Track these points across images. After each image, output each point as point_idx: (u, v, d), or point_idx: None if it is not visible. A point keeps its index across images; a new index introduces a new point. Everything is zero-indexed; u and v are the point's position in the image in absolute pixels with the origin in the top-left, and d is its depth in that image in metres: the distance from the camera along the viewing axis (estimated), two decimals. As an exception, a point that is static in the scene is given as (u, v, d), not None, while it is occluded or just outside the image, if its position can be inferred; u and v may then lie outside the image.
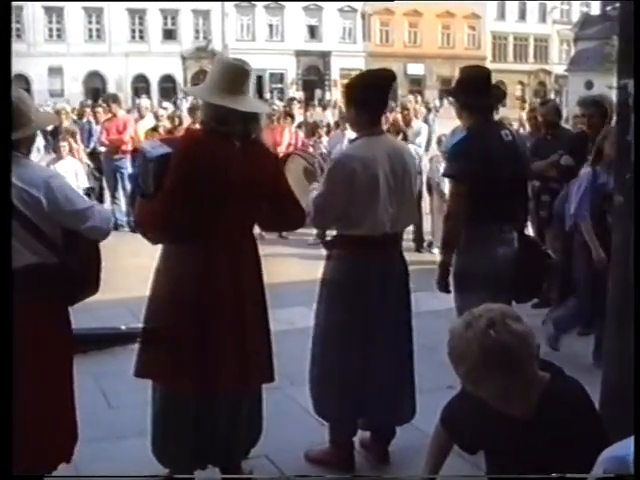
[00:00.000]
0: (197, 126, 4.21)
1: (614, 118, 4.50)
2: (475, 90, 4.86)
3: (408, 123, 11.37)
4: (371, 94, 4.46)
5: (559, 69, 67.59)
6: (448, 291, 5.03)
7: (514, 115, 19.62)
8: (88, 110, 16.41)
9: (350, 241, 4.47)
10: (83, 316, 6.73)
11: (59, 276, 3.85)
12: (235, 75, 3.99)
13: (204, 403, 4.07)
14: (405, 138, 10.49)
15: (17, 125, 3.77)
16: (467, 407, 2.83)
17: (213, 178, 3.92)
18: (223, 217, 3.98)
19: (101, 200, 15.28)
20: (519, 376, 2.53)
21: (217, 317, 4.01)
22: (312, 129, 13.87)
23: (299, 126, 14.26)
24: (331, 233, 4.71)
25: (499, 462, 2.74)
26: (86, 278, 3.98)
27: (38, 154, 13.11)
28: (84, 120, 15.97)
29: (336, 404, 4.54)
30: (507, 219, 4.93)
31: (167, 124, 13.78)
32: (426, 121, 21.82)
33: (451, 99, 5.18)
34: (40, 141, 13.63)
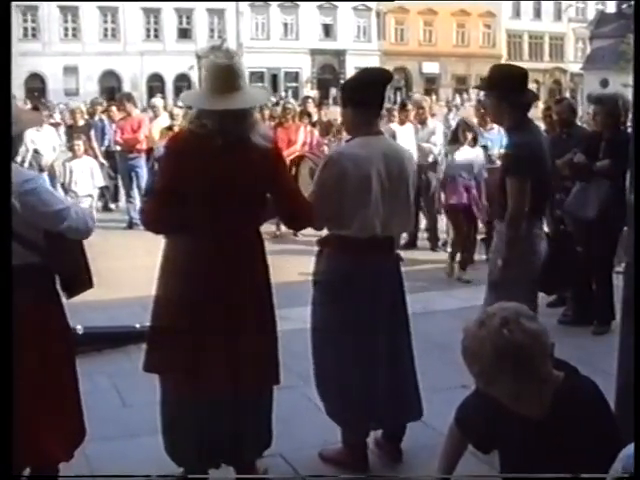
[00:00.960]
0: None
1: (629, 116, 4.51)
2: (518, 87, 4.88)
3: (423, 122, 11.33)
4: (368, 94, 4.41)
5: (574, 67, 67.53)
6: None
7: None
8: (100, 108, 16.37)
9: (339, 241, 4.44)
10: (98, 315, 6.78)
11: (44, 276, 3.90)
12: (218, 74, 3.97)
13: (208, 402, 4.06)
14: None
15: None
16: (481, 407, 2.81)
17: (194, 178, 3.93)
18: (214, 216, 3.97)
19: (116, 199, 15.37)
20: (532, 375, 2.51)
21: (211, 315, 4.00)
22: (326, 128, 13.83)
23: (313, 124, 14.24)
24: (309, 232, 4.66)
25: (513, 461, 2.73)
26: (73, 275, 4.02)
27: (54, 153, 13.17)
28: (96, 118, 15.97)
29: (343, 406, 4.53)
30: (544, 214, 5.08)
31: (182, 123, 13.78)
32: (447, 120, 21.81)
33: (485, 96, 5.14)
34: (55, 140, 13.66)
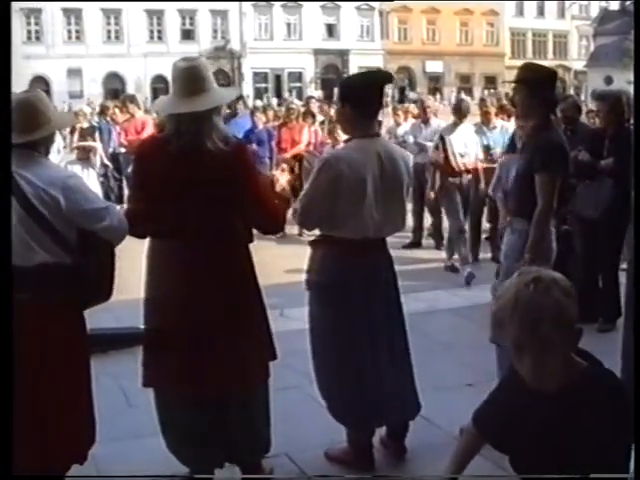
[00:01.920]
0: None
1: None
2: (549, 86, 4.97)
3: (426, 121, 11.34)
4: (366, 93, 4.39)
5: (578, 65, 67.49)
6: None
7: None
8: (111, 110, 16.35)
9: (332, 242, 4.43)
10: (103, 316, 6.76)
11: (72, 277, 3.85)
12: (179, 78, 3.99)
13: (198, 404, 4.08)
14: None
15: (36, 125, 3.80)
16: (500, 404, 2.79)
17: (154, 181, 3.97)
18: (177, 218, 3.98)
19: (121, 201, 15.38)
20: (566, 342, 2.47)
21: (187, 317, 4.02)
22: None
23: (323, 122, 14.24)
24: (315, 232, 4.65)
25: (527, 460, 2.71)
26: (100, 282, 3.98)
27: (58, 155, 13.18)
28: (103, 122, 15.98)
29: (344, 406, 4.54)
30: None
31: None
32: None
33: (520, 92, 5.16)
34: (60, 142, 13.70)
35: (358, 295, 4.42)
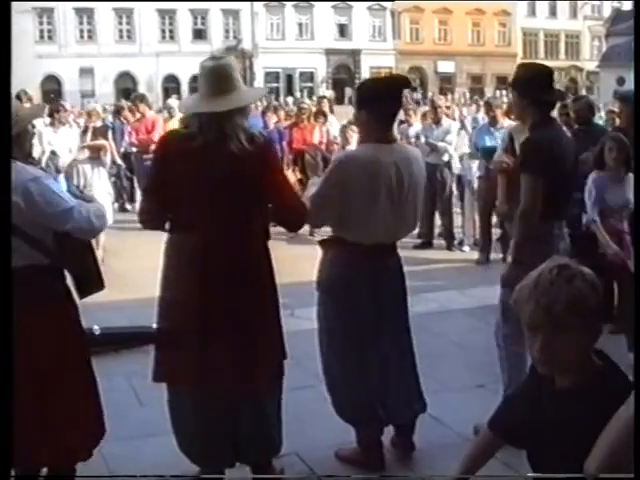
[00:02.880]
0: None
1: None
2: (546, 85, 4.88)
3: (438, 121, 11.33)
4: (383, 98, 4.36)
5: (590, 65, 67.27)
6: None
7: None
8: (126, 110, 16.32)
9: (342, 245, 4.43)
10: (114, 315, 6.80)
11: (54, 276, 3.91)
12: (205, 78, 4.00)
13: (212, 402, 4.08)
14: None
15: None
16: (519, 402, 2.79)
17: (176, 177, 3.97)
18: (199, 215, 3.99)
19: (132, 199, 15.43)
20: (582, 333, 2.46)
21: (207, 315, 4.02)
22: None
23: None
24: (326, 231, 4.64)
25: (545, 456, 2.70)
26: (83, 275, 4.03)
27: (70, 154, 13.18)
28: (117, 121, 15.99)
29: (353, 408, 4.55)
30: (566, 215, 4.98)
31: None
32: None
33: (512, 94, 5.13)
34: (72, 141, 13.66)
35: (365, 298, 4.43)
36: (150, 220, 4.17)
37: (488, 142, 9.94)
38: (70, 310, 4.05)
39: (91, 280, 4.09)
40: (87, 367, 4.08)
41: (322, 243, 4.63)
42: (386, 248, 4.50)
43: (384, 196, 4.31)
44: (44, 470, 4.07)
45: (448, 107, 11.58)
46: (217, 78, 3.97)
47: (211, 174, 3.93)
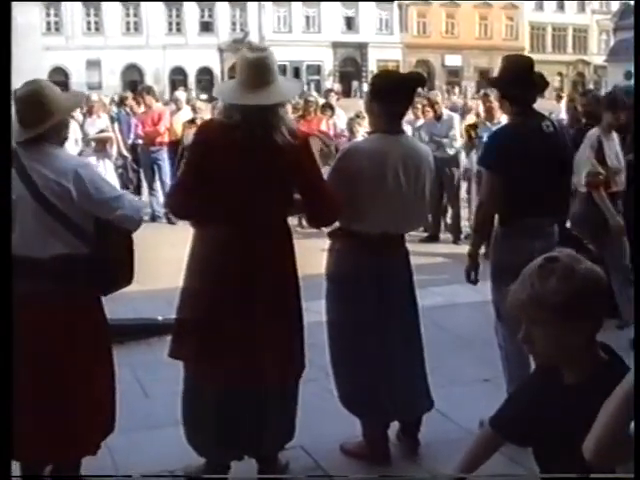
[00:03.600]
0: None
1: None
2: (517, 80, 4.75)
3: (439, 117, 11.31)
4: (398, 92, 4.41)
5: (598, 60, 66.99)
6: (475, 282, 4.98)
7: (552, 106, 19.44)
8: (129, 101, 16.32)
9: (349, 235, 4.44)
10: (120, 307, 6.79)
11: (90, 266, 3.86)
12: (248, 69, 3.97)
13: (231, 393, 4.07)
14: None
15: (42, 116, 3.79)
16: (523, 399, 2.77)
17: (219, 168, 3.95)
18: (238, 207, 3.98)
19: (139, 192, 15.42)
20: (593, 323, 2.46)
21: (236, 307, 4.01)
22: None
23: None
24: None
25: (550, 452, 2.68)
26: (119, 269, 3.99)
27: (76, 146, 13.19)
28: (122, 112, 15.98)
29: (359, 400, 4.55)
30: (546, 212, 4.83)
31: (206, 116, 13.79)
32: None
33: (492, 89, 5.11)
34: (77, 133, 13.65)
35: (373, 290, 4.42)
36: (182, 207, 4.13)
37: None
38: (99, 305, 4.06)
39: (123, 275, 4.05)
40: (110, 360, 4.09)
41: (331, 234, 4.63)
42: (393, 239, 4.50)
43: (391, 186, 4.32)
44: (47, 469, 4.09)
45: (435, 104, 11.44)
46: (260, 70, 3.95)
47: (255, 167, 3.93)
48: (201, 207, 4.02)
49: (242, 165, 3.94)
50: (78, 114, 13.58)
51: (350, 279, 4.42)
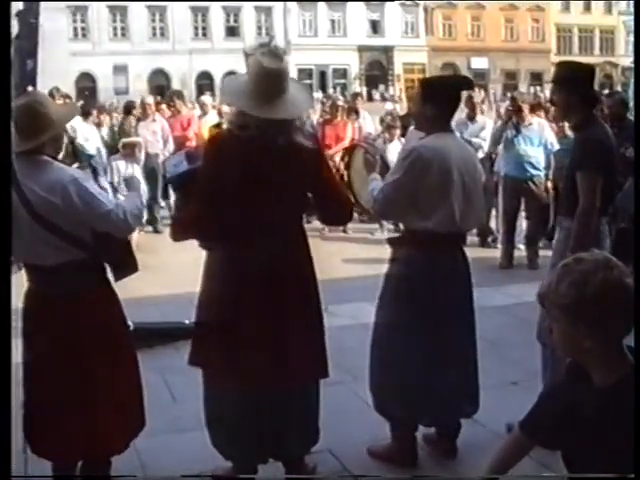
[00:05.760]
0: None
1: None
2: (588, 84, 4.90)
3: (472, 118, 11.26)
4: (452, 94, 4.56)
5: (626, 61, 66.50)
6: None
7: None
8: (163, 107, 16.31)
9: (417, 238, 4.44)
10: (148, 311, 6.83)
11: (92, 269, 3.98)
12: (264, 79, 3.89)
13: (253, 397, 4.07)
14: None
15: (39, 129, 3.83)
16: (553, 402, 2.76)
17: (233, 179, 3.92)
18: (255, 215, 3.97)
19: (166, 195, 15.44)
20: (612, 330, 2.45)
21: (255, 312, 4.00)
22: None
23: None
24: (388, 227, 4.65)
25: (580, 453, 2.67)
26: (120, 263, 4.10)
27: (101, 153, 13.24)
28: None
29: (396, 403, 4.52)
30: (607, 211, 4.99)
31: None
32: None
33: (558, 91, 5.09)
34: (97, 138, 13.64)
35: (438, 291, 4.43)
36: (200, 224, 4.02)
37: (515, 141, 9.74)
38: (113, 301, 4.11)
39: (128, 264, 4.16)
40: (133, 357, 4.13)
41: (392, 241, 4.69)
42: (457, 239, 4.57)
43: (456, 180, 4.38)
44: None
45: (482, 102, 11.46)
46: (277, 80, 3.91)
47: (266, 176, 3.93)
48: (219, 221, 3.97)
49: (259, 174, 3.92)
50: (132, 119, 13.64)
51: (417, 279, 4.42)
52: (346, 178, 4.93)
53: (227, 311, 4.04)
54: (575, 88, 4.84)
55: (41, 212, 3.78)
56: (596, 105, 5.04)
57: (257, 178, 3.93)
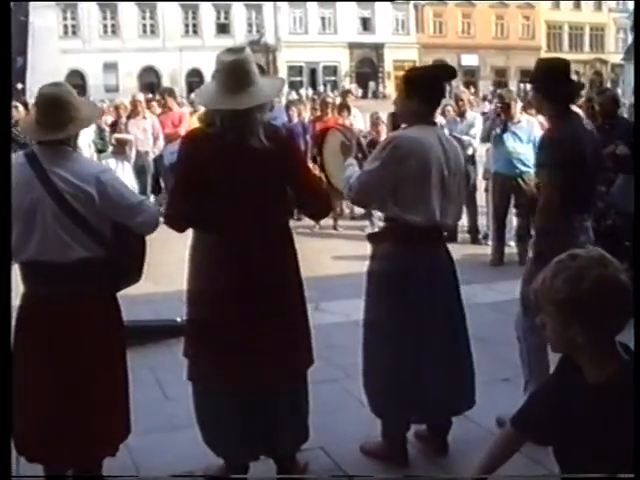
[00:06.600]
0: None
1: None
2: (559, 79, 4.84)
3: (462, 114, 11.26)
4: (435, 86, 4.50)
5: (615, 58, 66.75)
6: None
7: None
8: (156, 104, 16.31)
9: (396, 232, 4.43)
10: (140, 308, 6.82)
11: (107, 269, 3.90)
12: (225, 72, 3.92)
13: (240, 394, 4.07)
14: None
15: (69, 120, 3.80)
16: (545, 398, 2.77)
17: (206, 176, 3.92)
18: (228, 213, 3.95)
19: (159, 192, 15.42)
20: (605, 327, 2.47)
21: (235, 309, 3.99)
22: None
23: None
24: (378, 224, 4.65)
25: (572, 450, 2.68)
26: (131, 270, 4.05)
27: (89, 149, 13.20)
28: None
29: (388, 400, 4.51)
30: (588, 208, 4.97)
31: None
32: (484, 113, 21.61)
33: (530, 89, 5.12)
34: (89, 136, 13.64)
35: (421, 286, 4.40)
36: (175, 219, 4.06)
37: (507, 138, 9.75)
38: (115, 304, 4.09)
39: (135, 274, 4.11)
40: (124, 362, 4.11)
41: (372, 236, 4.67)
42: (438, 233, 4.54)
43: (435, 171, 4.35)
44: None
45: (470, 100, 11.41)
46: (237, 73, 3.91)
47: (238, 173, 3.91)
48: (194, 217, 4.00)
49: (225, 174, 3.91)
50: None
51: (397, 274, 4.39)
52: (319, 159, 4.92)
53: (207, 308, 4.06)
54: (543, 84, 4.86)
55: (72, 201, 3.73)
56: (570, 101, 5.00)
57: (228, 176, 3.91)
